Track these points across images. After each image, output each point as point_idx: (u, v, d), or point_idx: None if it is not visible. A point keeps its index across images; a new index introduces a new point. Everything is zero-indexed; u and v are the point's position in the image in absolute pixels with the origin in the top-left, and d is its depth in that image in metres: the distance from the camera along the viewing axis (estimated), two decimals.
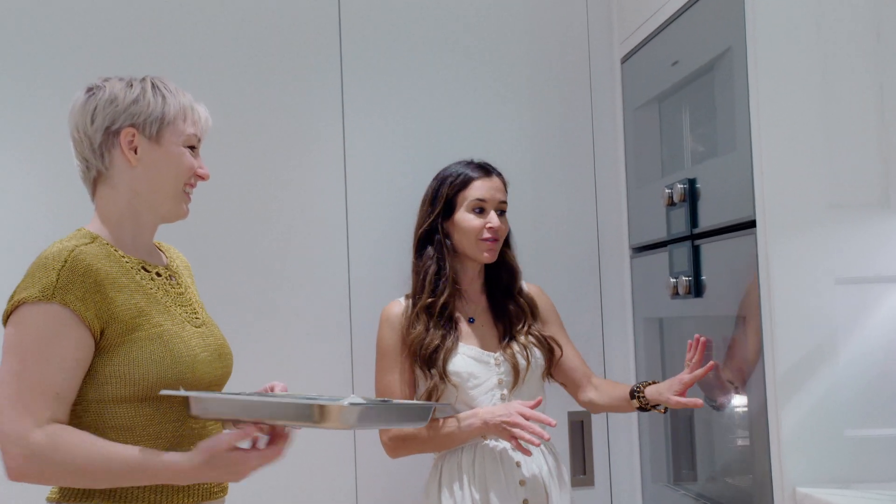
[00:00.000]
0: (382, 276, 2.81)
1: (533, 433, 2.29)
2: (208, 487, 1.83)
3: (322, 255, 2.88)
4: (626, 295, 2.89)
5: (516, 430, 2.31)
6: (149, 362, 1.75)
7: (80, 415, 1.76)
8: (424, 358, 2.46)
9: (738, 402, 2.25)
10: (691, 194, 2.38)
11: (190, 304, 1.93)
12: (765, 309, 2.05)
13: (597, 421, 2.94)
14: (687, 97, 2.48)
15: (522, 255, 2.83)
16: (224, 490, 1.88)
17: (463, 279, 2.58)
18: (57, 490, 1.78)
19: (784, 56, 2.05)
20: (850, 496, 1.88)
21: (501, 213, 2.57)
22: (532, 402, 2.36)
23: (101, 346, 1.75)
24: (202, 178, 1.91)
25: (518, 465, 2.44)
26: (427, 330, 2.48)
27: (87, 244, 1.78)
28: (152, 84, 1.86)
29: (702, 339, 2.28)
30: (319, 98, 2.90)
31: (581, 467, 2.93)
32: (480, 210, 2.54)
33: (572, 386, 2.61)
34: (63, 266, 1.72)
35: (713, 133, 2.34)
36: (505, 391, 2.47)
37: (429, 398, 2.45)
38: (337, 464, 2.84)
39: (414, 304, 2.53)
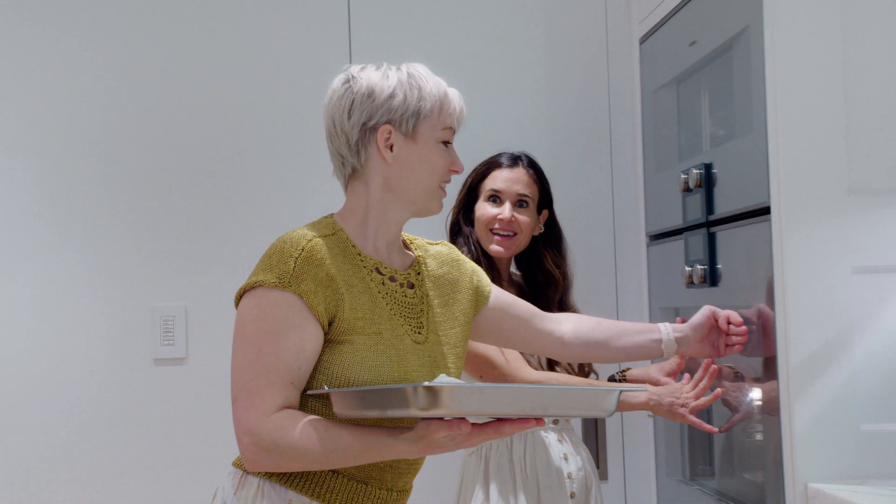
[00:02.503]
0: None
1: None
2: (400, 494, 1.80)
3: None
4: (643, 283, 2.82)
5: (693, 418, 2.20)
6: (359, 368, 1.71)
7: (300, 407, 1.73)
8: None
9: (754, 395, 2.18)
10: (707, 180, 2.30)
11: (418, 317, 1.82)
12: (778, 299, 1.98)
13: (611, 416, 2.87)
14: (705, 78, 2.41)
15: None
16: (409, 492, 1.85)
17: (501, 270, 2.48)
18: (239, 456, 1.74)
19: (802, 35, 1.97)
20: (864, 492, 1.80)
21: (522, 205, 2.47)
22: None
23: (325, 340, 1.72)
24: (457, 172, 1.84)
25: (565, 457, 2.37)
26: None
27: (327, 236, 1.75)
28: (408, 73, 1.78)
29: (713, 366, 2.20)
30: (326, 68, 2.85)
31: (595, 461, 2.86)
32: (496, 200, 2.46)
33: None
34: (300, 254, 1.69)
35: (731, 116, 2.26)
36: None
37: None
38: None
39: None
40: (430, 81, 1.79)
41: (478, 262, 2.39)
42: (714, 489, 2.38)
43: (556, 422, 2.41)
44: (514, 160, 2.49)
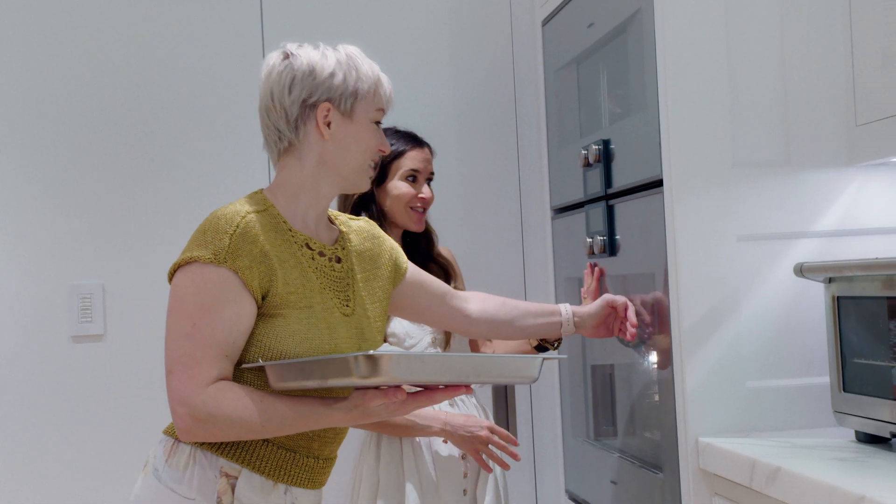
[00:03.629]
0: None
1: (501, 454, 2.37)
2: (310, 476, 1.84)
3: None
4: (548, 255, 2.93)
5: (486, 449, 2.37)
6: (291, 341, 1.76)
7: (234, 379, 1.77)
8: None
9: (652, 358, 2.31)
10: (606, 155, 2.42)
11: (345, 291, 1.88)
12: (671, 266, 2.11)
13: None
14: (603, 59, 2.52)
15: (446, 216, 2.88)
16: (323, 482, 1.90)
17: None
18: (170, 424, 1.80)
19: (690, 17, 2.09)
20: (748, 444, 1.94)
21: (430, 181, 2.62)
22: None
23: (258, 314, 1.76)
24: (384, 152, 1.91)
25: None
26: None
27: (259, 211, 1.79)
28: (346, 55, 1.85)
29: (598, 267, 2.40)
30: (239, 46, 2.90)
31: (504, 425, 2.98)
32: (413, 179, 2.58)
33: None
34: (235, 231, 1.74)
35: (627, 94, 2.38)
36: (439, 349, 2.53)
37: None
38: None
39: None
40: (366, 64, 1.87)
41: None
42: (617, 448, 2.51)
43: None
44: (418, 141, 2.63)
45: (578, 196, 2.62)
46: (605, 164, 2.42)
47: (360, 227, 1.99)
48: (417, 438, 2.47)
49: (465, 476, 2.50)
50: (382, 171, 2.59)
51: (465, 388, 1.69)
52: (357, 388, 1.68)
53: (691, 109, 2.09)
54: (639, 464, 2.33)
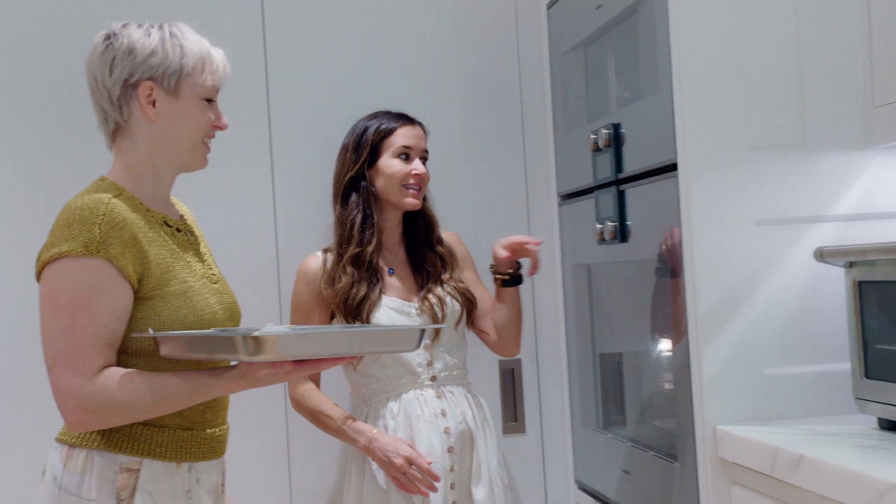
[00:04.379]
0: (310, 232, 2.77)
1: (419, 486, 2.38)
2: (211, 446, 1.88)
3: (248, 213, 2.86)
4: (555, 242, 2.89)
5: (401, 478, 2.38)
6: (174, 319, 1.78)
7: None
8: (351, 310, 2.46)
9: (664, 346, 2.27)
10: (616, 139, 2.38)
11: (206, 261, 1.95)
12: (686, 252, 2.07)
13: (527, 368, 2.96)
14: (611, 41, 2.48)
15: (451, 204, 2.84)
16: (224, 450, 1.93)
17: (384, 229, 2.57)
18: (62, 431, 1.81)
19: None
20: (768, 432, 1.91)
21: (424, 161, 2.57)
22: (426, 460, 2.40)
23: (135, 298, 1.78)
24: (221, 128, 1.90)
25: (443, 413, 2.46)
26: (353, 281, 2.47)
27: (117, 196, 1.79)
28: (170, 33, 1.83)
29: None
30: (240, 43, 2.85)
31: (512, 414, 2.95)
32: (406, 157, 2.54)
33: (485, 328, 2.63)
34: (103, 219, 1.73)
35: (637, 77, 2.33)
36: (427, 341, 2.48)
37: None
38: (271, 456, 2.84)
39: (340, 255, 2.51)
40: (193, 40, 1.86)
41: (368, 216, 2.52)
42: (628, 437, 2.48)
43: (433, 378, 2.50)
44: (409, 118, 2.59)
45: (587, 181, 2.58)
46: (615, 149, 2.38)
47: (183, 206, 2.03)
48: (399, 431, 2.44)
49: (451, 470, 2.46)
50: (373, 151, 2.55)
51: (351, 357, 1.81)
52: None
53: (705, 91, 2.05)
54: (653, 453, 2.30)
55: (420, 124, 2.60)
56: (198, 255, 1.92)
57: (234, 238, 2.81)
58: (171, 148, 1.86)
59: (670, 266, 2.15)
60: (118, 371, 1.73)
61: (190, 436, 1.83)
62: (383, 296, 2.50)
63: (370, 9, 2.92)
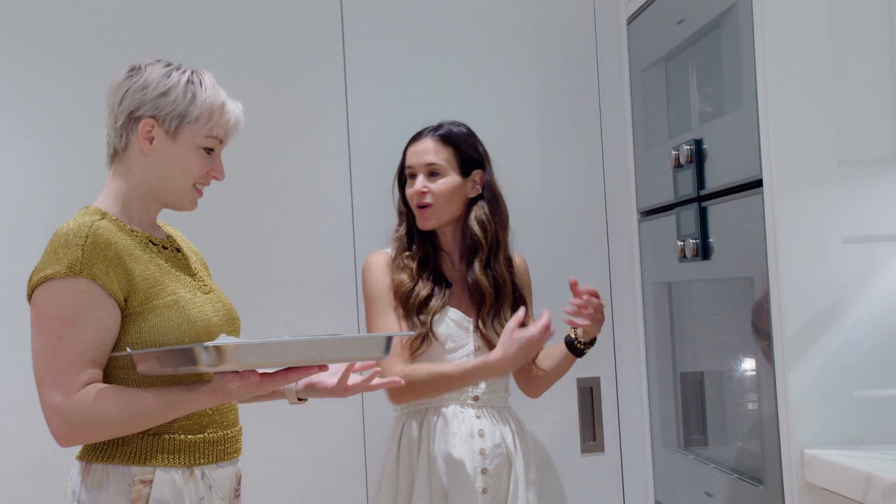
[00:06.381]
0: (388, 242, 2.77)
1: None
2: (224, 448, 1.93)
3: (327, 227, 2.86)
4: (635, 259, 2.85)
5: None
6: (167, 329, 1.84)
7: (106, 381, 1.84)
8: (413, 307, 2.44)
9: (748, 365, 2.22)
10: (698, 155, 2.34)
11: (197, 274, 2.01)
12: (772, 270, 2.02)
13: (606, 387, 2.92)
14: (694, 56, 2.44)
15: (529, 220, 2.82)
16: (238, 451, 1.98)
17: (442, 242, 2.56)
18: (82, 449, 1.88)
19: (790, 9, 2.00)
20: (859, 457, 1.85)
21: (434, 174, 2.52)
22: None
23: (124, 315, 1.84)
24: (216, 178, 1.97)
25: (480, 433, 2.43)
26: (414, 279, 2.46)
27: (100, 219, 1.86)
28: (188, 79, 1.91)
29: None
30: (320, 55, 2.87)
31: (591, 433, 2.91)
32: (413, 176, 2.52)
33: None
34: (86, 241, 1.80)
35: (720, 91, 2.29)
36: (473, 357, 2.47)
37: (416, 343, 2.44)
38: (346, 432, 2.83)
39: (401, 249, 2.55)
40: (210, 91, 1.92)
41: (412, 239, 2.52)
42: (711, 458, 2.43)
43: (475, 398, 2.46)
44: (420, 132, 2.56)
45: (668, 198, 2.54)
46: (697, 165, 2.34)
47: (174, 229, 2.11)
48: (434, 446, 2.41)
49: (484, 492, 2.41)
50: (402, 173, 2.59)
51: (318, 367, 1.78)
52: (217, 372, 1.76)
53: (793, 105, 2.00)
54: (736, 476, 2.24)
55: (431, 133, 2.54)
56: (186, 269, 1.98)
57: (313, 248, 2.83)
58: (160, 185, 1.93)
59: (755, 284, 2.10)
60: (99, 387, 1.79)
61: (201, 439, 1.89)
62: (448, 307, 2.48)
63: (450, 22, 2.91)
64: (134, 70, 1.92)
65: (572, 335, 2.49)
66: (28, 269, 1.88)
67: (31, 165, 2.77)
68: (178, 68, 1.93)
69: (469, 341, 2.47)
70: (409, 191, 2.54)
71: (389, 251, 2.57)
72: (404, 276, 2.48)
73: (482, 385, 2.46)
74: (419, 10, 2.91)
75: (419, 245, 2.53)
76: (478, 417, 2.44)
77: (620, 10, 2.89)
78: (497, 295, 2.51)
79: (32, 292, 1.83)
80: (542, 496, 2.55)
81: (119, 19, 2.79)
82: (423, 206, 2.51)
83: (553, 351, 2.54)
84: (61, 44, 2.77)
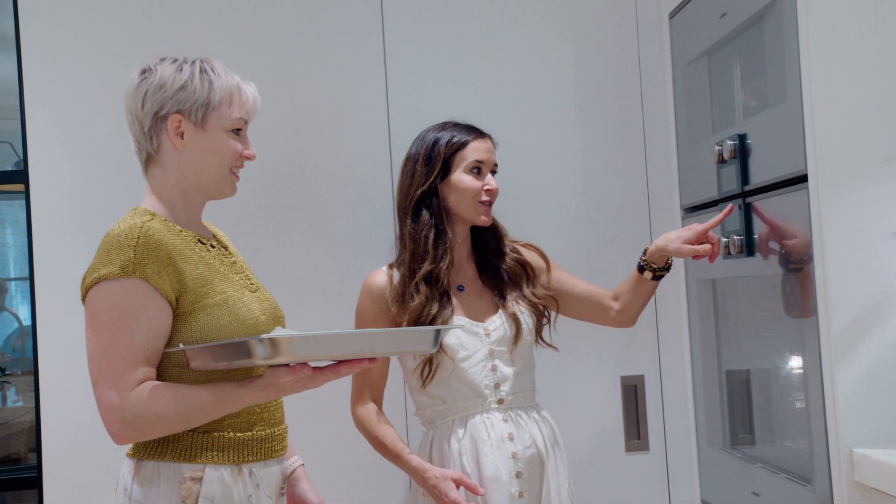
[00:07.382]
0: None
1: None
2: (271, 445, 1.96)
3: (368, 222, 2.86)
4: None
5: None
6: (217, 327, 1.87)
7: (159, 379, 1.87)
8: (425, 324, 2.39)
9: (795, 363, 2.19)
10: (742, 150, 2.31)
11: (243, 272, 2.05)
12: (818, 266, 1.99)
13: (650, 385, 2.90)
14: (737, 50, 2.41)
15: (571, 216, 2.81)
16: (284, 449, 2.01)
17: (454, 244, 2.49)
18: (133, 447, 1.91)
19: (835, 1, 1.97)
20: None
21: (493, 174, 2.51)
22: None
23: (175, 314, 1.87)
24: (248, 158, 2.00)
25: (510, 437, 2.39)
26: (426, 299, 2.39)
27: (150, 220, 1.89)
28: (201, 69, 1.95)
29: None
30: (360, 36, 2.86)
31: (635, 432, 2.89)
32: (478, 171, 2.48)
33: (596, 310, 2.55)
34: (138, 242, 1.84)
35: (764, 86, 2.27)
36: (497, 361, 2.42)
37: (425, 370, 2.40)
38: None
39: (412, 272, 2.42)
40: (223, 75, 1.95)
41: (442, 232, 2.44)
42: (757, 457, 2.40)
43: (500, 401, 2.41)
44: (479, 131, 2.51)
45: (711, 194, 2.52)
46: (741, 160, 2.31)
47: (217, 229, 2.14)
48: (465, 456, 2.38)
49: (521, 496, 2.37)
50: (445, 165, 2.47)
51: (369, 360, 1.80)
52: (269, 367, 1.80)
53: (838, 100, 1.97)
54: (784, 475, 2.21)
55: (489, 136, 2.52)
56: (233, 267, 2.01)
57: (354, 244, 2.83)
58: (199, 177, 1.96)
59: (801, 280, 2.07)
60: (153, 385, 1.82)
61: (249, 437, 1.92)
62: (454, 316, 2.43)
63: (491, 18, 2.90)
64: (145, 72, 1.95)
65: (652, 266, 2.46)
66: (79, 272, 1.91)
67: (78, 169, 2.80)
68: (186, 61, 1.96)
69: (481, 347, 2.43)
70: (476, 185, 2.45)
71: (386, 270, 2.49)
72: (418, 298, 2.39)
73: (505, 387, 2.42)
74: (461, 7, 2.90)
75: (445, 249, 2.44)
76: (505, 421, 2.40)
77: (662, 5, 2.87)
78: (521, 270, 2.52)
79: (86, 293, 1.86)
80: (579, 493, 2.52)
81: (163, 19, 2.81)
82: (490, 204, 2.49)
83: (627, 282, 2.53)
84: (109, 44, 2.78)
